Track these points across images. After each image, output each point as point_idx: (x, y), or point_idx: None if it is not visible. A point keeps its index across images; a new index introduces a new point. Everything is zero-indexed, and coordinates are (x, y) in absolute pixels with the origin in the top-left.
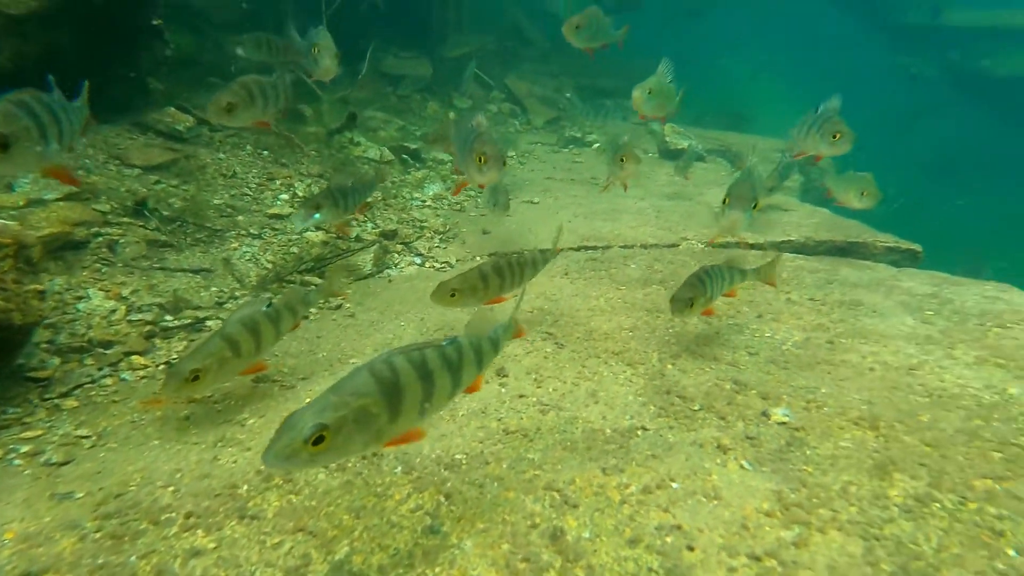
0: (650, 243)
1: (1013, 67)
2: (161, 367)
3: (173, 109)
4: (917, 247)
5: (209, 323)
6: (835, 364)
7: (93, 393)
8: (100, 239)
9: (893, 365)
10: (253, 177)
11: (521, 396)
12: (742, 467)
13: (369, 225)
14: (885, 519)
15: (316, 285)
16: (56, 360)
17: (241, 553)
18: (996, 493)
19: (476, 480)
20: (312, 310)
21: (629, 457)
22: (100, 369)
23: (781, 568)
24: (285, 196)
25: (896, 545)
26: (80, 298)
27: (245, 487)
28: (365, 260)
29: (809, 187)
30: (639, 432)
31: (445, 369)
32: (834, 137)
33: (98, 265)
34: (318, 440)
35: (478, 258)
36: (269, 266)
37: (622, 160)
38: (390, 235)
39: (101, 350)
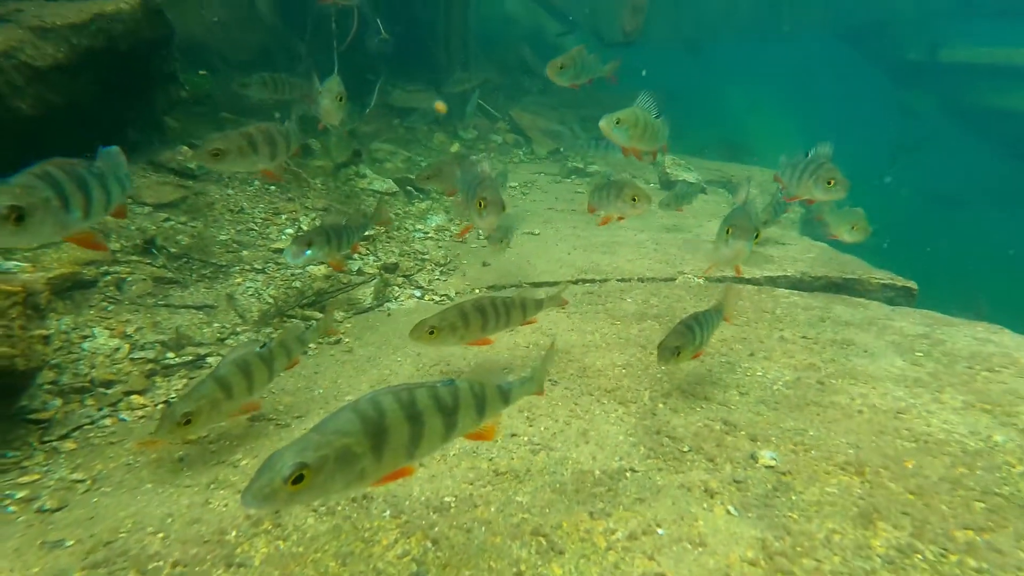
0: (647, 276)
1: (1012, 103)
2: (159, 406)
3: (185, 147)
4: (912, 284)
5: (210, 360)
6: (824, 406)
7: (92, 435)
8: (108, 277)
9: (881, 408)
10: (259, 212)
11: (513, 435)
12: (728, 512)
13: (371, 258)
14: (867, 570)
15: (316, 320)
16: (58, 401)
17: None
18: (977, 545)
19: (464, 524)
20: (311, 345)
21: (617, 501)
22: (100, 410)
23: None
24: (290, 231)
25: None
26: (85, 337)
27: (234, 532)
28: (366, 294)
29: (810, 218)
30: (628, 474)
31: (437, 411)
32: (829, 183)
33: (105, 303)
34: (297, 479)
35: (477, 291)
36: (271, 301)
37: (633, 200)
38: (391, 268)
39: (102, 390)
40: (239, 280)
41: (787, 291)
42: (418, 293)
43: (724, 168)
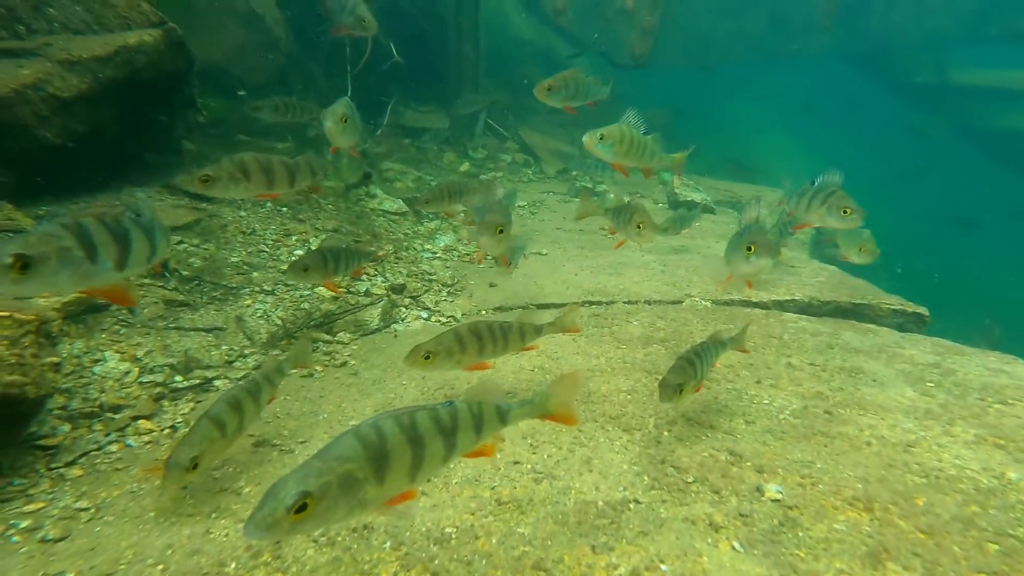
0: (654, 299)
1: (1020, 123)
2: (166, 431)
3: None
4: (923, 310)
5: (217, 383)
6: (832, 436)
7: (98, 461)
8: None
9: (890, 440)
10: (271, 233)
11: (516, 463)
12: (733, 548)
13: (379, 279)
14: None
15: (322, 342)
16: (67, 427)
17: None
18: None
19: (465, 557)
20: (317, 367)
21: (620, 534)
22: (107, 435)
23: None
24: (300, 252)
25: None
26: (96, 361)
27: (233, 565)
28: (373, 315)
29: (820, 239)
30: (631, 505)
31: (438, 433)
32: (844, 212)
33: (117, 327)
34: (301, 508)
35: (484, 312)
36: (280, 322)
37: (639, 227)
38: (399, 289)
39: (110, 415)
40: (249, 302)
41: (795, 316)
42: (425, 314)
43: (733, 188)
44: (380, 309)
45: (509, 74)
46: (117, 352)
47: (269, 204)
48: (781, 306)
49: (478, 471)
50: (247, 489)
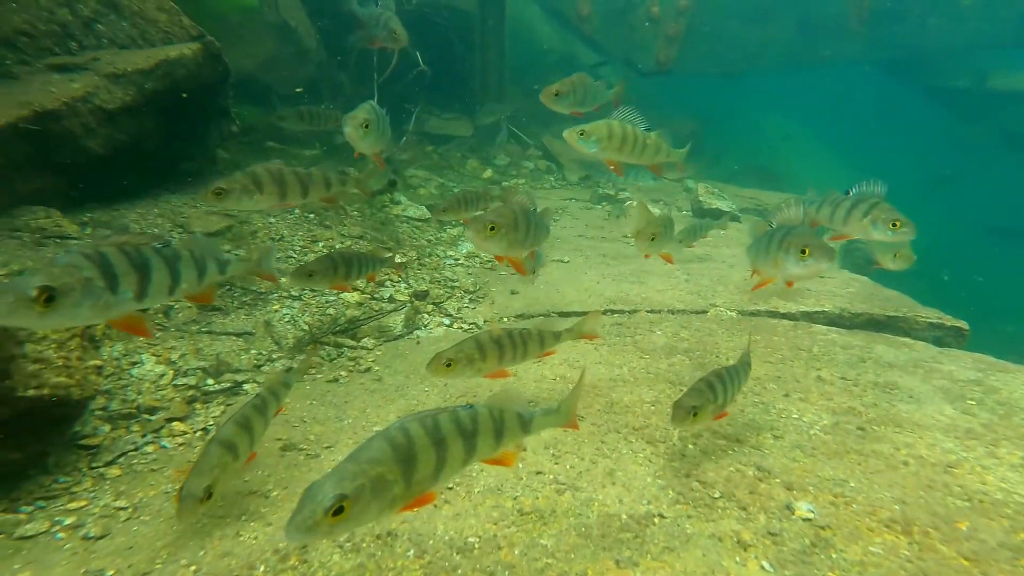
0: (678, 308)
1: None
2: (198, 433)
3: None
4: (963, 324)
5: (246, 387)
6: (865, 454)
7: (135, 461)
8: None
9: (929, 460)
10: (298, 240)
11: (538, 473)
12: (763, 568)
13: (402, 285)
14: None
15: (346, 347)
16: (107, 427)
17: None
18: None
19: (487, 567)
20: (342, 372)
21: (644, 549)
22: (144, 436)
23: None
24: None
25: None
26: (134, 363)
27: (262, 568)
28: (396, 321)
29: (851, 248)
30: (656, 520)
31: (458, 435)
32: (894, 225)
33: (153, 330)
34: (338, 511)
35: (505, 319)
36: (306, 328)
37: (652, 238)
38: (422, 295)
39: (147, 416)
40: (277, 307)
41: (825, 328)
42: (447, 321)
43: (759, 196)
44: (403, 315)
45: (533, 81)
46: (153, 355)
47: (297, 211)
48: (810, 317)
49: (500, 480)
50: (275, 493)
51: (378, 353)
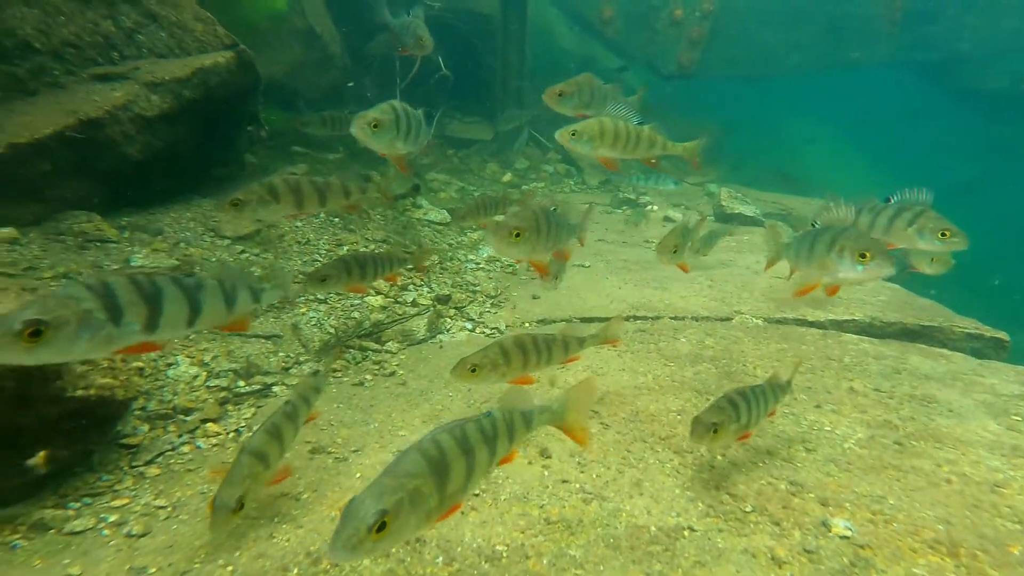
0: (702, 315)
1: None
2: (231, 435)
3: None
4: (1003, 335)
5: (275, 389)
6: (904, 470)
7: (172, 461)
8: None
9: (974, 479)
10: (324, 243)
11: (564, 481)
12: None
13: (425, 289)
14: None
15: (373, 350)
16: (145, 427)
17: None
18: None
19: None
20: (367, 376)
21: (675, 562)
22: (180, 436)
23: None
24: None
25: None
26: (170, 365)
27: (296, 570)
28: (419, 325)
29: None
30: (686, 533)
31: (483, 443)
32: (944, 235)
33: None
34: (380, 527)
35: (527, 324)
36: (332, 331)
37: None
38: (444, 299)
39: (182, 417)
40: (303, 310)
41: (856, 337)
42: (469, 325)
43: (783, 200)
44: (426, 319)
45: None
46: (187, 356)
47: (322, 215)
48: (839, 326)
49: (526, 488)
50: (305, 495)
51: (402, 357)
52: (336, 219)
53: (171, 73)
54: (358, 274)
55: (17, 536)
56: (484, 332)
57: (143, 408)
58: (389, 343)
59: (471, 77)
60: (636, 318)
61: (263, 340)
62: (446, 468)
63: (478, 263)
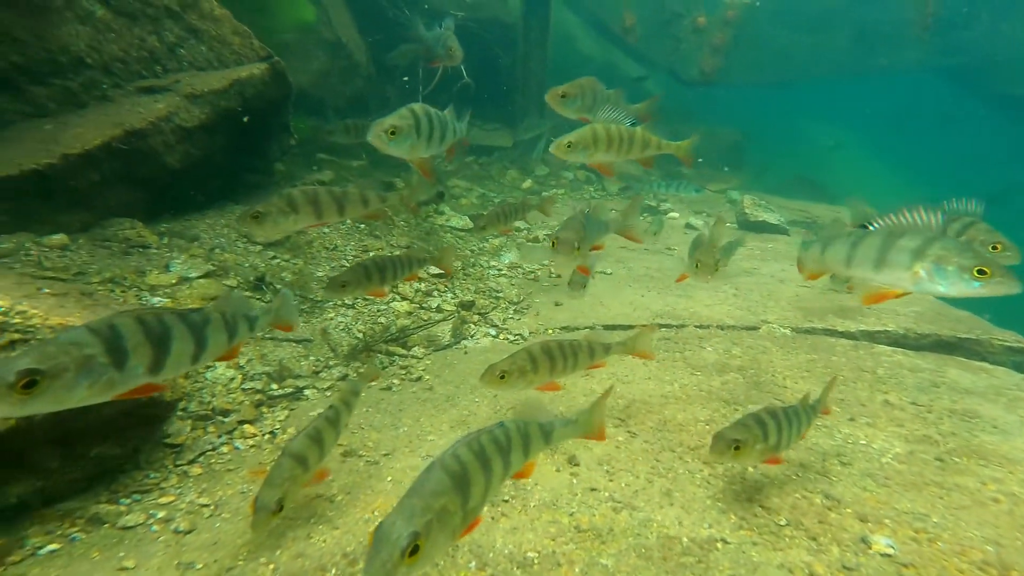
0: (727, 324)
1: None
2: (267, 436)
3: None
4: None
5: (307, 392)
6: (947, 488)
7: (213, 461)
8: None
9: (1023, 498)
10: (351, 249)
11: (593, 489)
12: None
13: (449, 295)
14: None
15: (398, 355)
16: (188, 427)
17: None
18: None
19: None
20: (395, 381)
21: (709, 575)
22: (219, 437)
23: None
24: None
25: None
26: (208, 367)
27: (333, 571)
28: (444, 331)
29: None
30: (719, 545)
31: (498, 455)
32: (994, 248)
33: None
34: (414, 550)
35: (550, 331)
36: (359, 336)
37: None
38: (468, 306)
39: (221, 418)
40: (332, 315)
41: (889, 348)
42: (493, 332)
43: (807, 208)
44: (451, 325)
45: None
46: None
47: (348, 221)
48: (871, 337)
49: (555, 495)
50: (339, 497)
51: (428, 362)
52: (362, 226)
53: (210, 85)
54: (378, 278)
55: (76, 529)
56: (508, 338)
57: (184, 409)
58: (415, 348)
59: (493, 84)
60: (661, 326)
61: (294, 344)
62: (468, 483)
63: (500, 269)
